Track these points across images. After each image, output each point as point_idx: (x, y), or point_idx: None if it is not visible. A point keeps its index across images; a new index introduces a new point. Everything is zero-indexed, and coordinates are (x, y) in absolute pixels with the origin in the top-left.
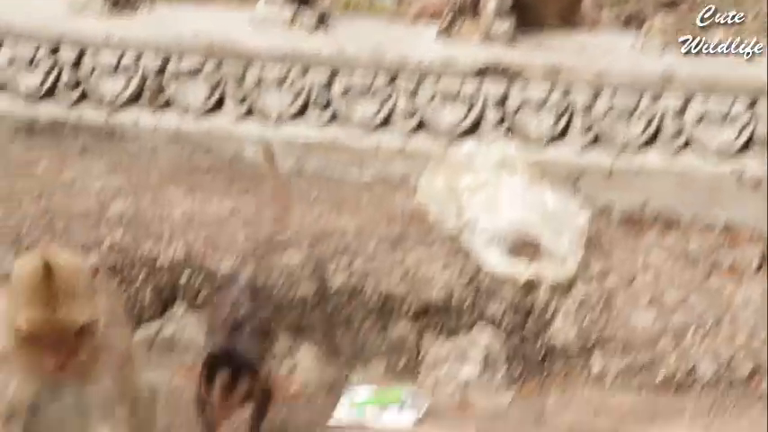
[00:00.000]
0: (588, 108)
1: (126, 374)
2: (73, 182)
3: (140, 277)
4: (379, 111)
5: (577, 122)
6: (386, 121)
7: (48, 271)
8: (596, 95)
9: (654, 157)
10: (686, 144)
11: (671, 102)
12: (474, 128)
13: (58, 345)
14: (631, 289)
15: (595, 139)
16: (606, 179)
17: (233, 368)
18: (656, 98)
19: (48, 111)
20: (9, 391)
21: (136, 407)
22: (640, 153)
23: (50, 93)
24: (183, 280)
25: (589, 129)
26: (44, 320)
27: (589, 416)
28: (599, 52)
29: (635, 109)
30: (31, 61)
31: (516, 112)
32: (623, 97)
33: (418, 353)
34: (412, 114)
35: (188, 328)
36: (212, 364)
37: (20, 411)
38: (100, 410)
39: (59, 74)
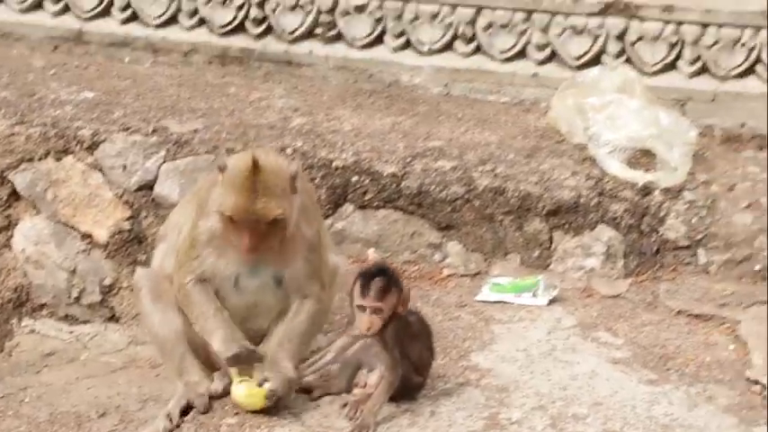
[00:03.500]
0: (696, 41)
1: (315, 258)
2: (260, 101)
3: (317, 179)
4: (516, 43)
5: (687, 53)
6: (522, 52)
7: (255, 168)
8: (704, 30)
9: (752, 84)
10: None
11: None
12: (597, 58)
13: (253, 231)
14: (732, 194)
15: (702, 68)
16: (710, 102)
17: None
18: (755, 32)
19: (237, 42)
20: (206, 262)
21: (324, 283)
22: (740, 80)
23: (240, 27)
24: (352, 182)
25: (697, 59)
26: (245, 209)
27: (695, 301)
28: None
29: (737, 41)
30: (225, 0)
31: (634, 44)
32: (727, 31)
33: (550, 247)
34: (544, 46)
35: (355, 225)
36: (368, 274)
37: (210, 278)
38: (295, 285)
39: (248, 10)
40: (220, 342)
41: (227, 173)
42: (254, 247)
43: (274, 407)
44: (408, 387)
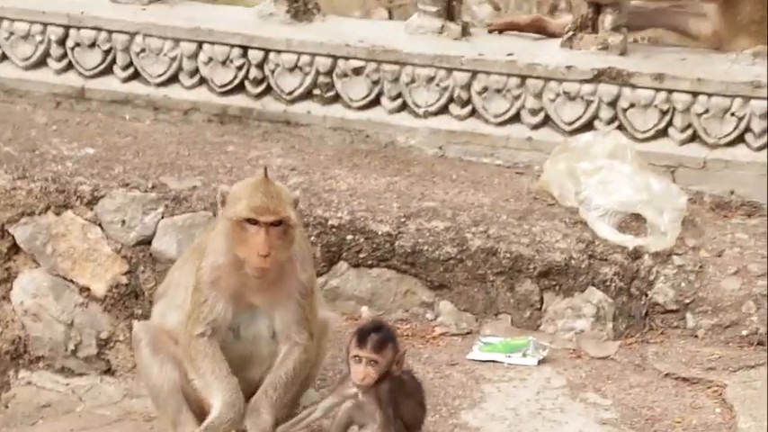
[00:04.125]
0: (687, 109)
1: (307, 304)
2: (257, 159)
3: (312, 237)
4: (510, 107)
5: (677, 121)
6: (516, 117)
7: (266, 176)
8: (695, 98)
9: (741, 152)
10: None
11: (758, 105)
12: (590, 123)
13: (268, 232)
14: (720, 260)
15: (693, 136)
16: (700, 170)
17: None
18: (745, 102)
19: (237, 102)
20: (216, 309)
21: (312, 333)
22: (730, 148)
23: (240, 86)
24: (347, 240)
25: (688, 126)
26: (260, 205)
27: (683, 364)
28: (698, 63)
29: (727, 110)
30: (225, 60)
31: (626, 110)
32: (717, 100)
33: (540, 308)
34: (538, 111)
35: (349, 282)
36: (366, 327)
37: (221, 328)
38: (283, 333)
39: (248, 71)
40: (226, 406)
41: (232, 193)
42: (268, 252)
43: None
44: None
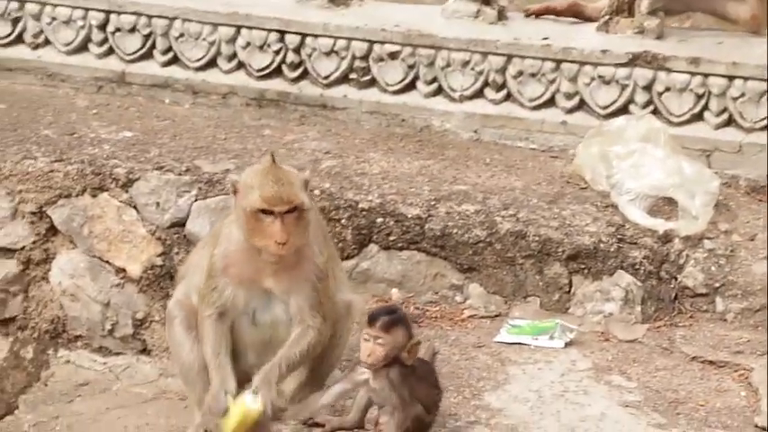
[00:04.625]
0: (723, 93)
1: (322, 288)
2: (293, 143)
3: (343, 220)
4: (545, 91)
5: (713, 105)
6: (551, 101)
7: (274, 162)
8: (730, 82)
9: None
10: None
11: None
12: (625, 107)
13: (283, 219)
14: (752, 244)
15: (728, 120)
16: (736, 153)
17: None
18: None
19: (274, 86)
20: (225, 294)
21: (330, 318)
22: (765, 132)
23: (277, 71)
24: (377, 223)
25: (723, 110)
26: (273, 194)
27: (711, 348)
28: (734, 47)
29: (762, 94)
30: (263, 45)
31: (661, 94)
32: (754, 84)
33: (569, 291)
34: (573, 95)
35: (380, 265)
36: (379, 309)
37: (230, 311)
38: (297, 317)
39: (285, 55)
40: (211, 397)
41: (242, 182)
42: (286, 237)
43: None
44: (420, 425)
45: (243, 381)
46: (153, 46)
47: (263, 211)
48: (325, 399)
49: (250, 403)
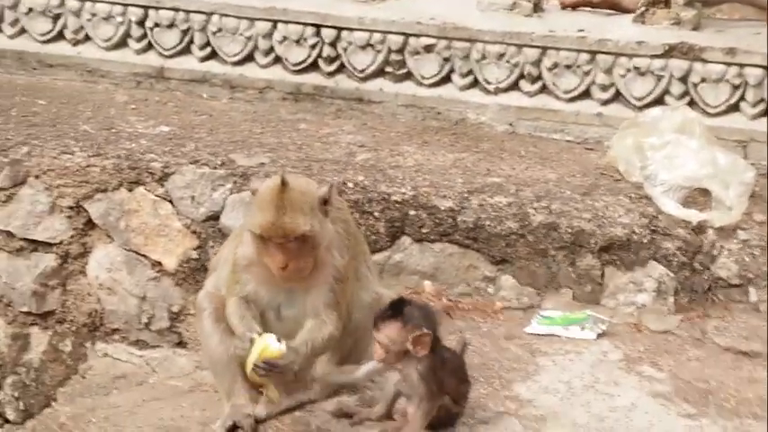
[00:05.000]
0: (759, 83)
1: (340, 288)
2: (328, 136)
3: (376, 213)
4: (580, 83)
5: (749, 95)
6: (586, 92)
7: (283, 186)
8: (766, 72)
9: None
10: None
11: None
12: (660, 99)
13: (283, 248)
14: None
15: (765, 110)
16: None
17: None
18: None
19: (310, 80)
20: (247, 288)
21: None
22: None
23: (313, 65)
24: (410, 216)
25: (760, 101)
26: (272, 224)
27: (743, 338)
28: None
29: None
30: (299, 39)
31: (697, 85)
32: None
33: (601, 282)
34: (608, 87)
35: (413, 257)
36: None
37: (253, 300)
38: (313, 312)
39: (321, 49)
40: (240, 330)
41: (257, 194)
42: (285, 265)
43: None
44: (447, 416)
45: None
46: (191, 41)
47: (263, 237)
48: (358, 374)
49: (272, 342)
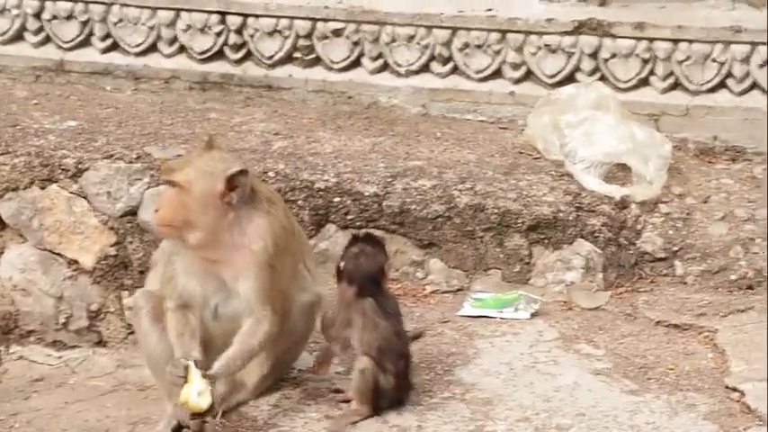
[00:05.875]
0: (668, 57)
1: (266, 277)
2: (241, 125)
3: (299, 201)
4: (491, 63)
5: (659, 69)
6: (498, 72)
7: (206, 145)
8: (675, 46)
9: (723, 98)
10: (752, 86)
11: (738, 49)
12: (572, 76)
13: (165, 193)
14: (707, 206)
15: (675, 83)
16: (683, 117)
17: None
18: (726, 47)
19: (217, 68)
20: (179, 284)
21: (281, 311)
22: (712, 94)
23: (219, 53)
24: (334, 203)
25: (669, 74)
26: (169, 163)
27: (674, 311)
28: (678, 10)
29: (708, 56)
30: (204, 27)
31: (607, 61)
32: (698, 47)
33: (530, 262)
34: (519, 65)
35: (338, 245)
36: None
37: (191, 304)
38: (245, 306)
39: (227, 37)
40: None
41: None
42: (157, 207)
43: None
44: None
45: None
46: (91, 33)
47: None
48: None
49: (193, 397)
